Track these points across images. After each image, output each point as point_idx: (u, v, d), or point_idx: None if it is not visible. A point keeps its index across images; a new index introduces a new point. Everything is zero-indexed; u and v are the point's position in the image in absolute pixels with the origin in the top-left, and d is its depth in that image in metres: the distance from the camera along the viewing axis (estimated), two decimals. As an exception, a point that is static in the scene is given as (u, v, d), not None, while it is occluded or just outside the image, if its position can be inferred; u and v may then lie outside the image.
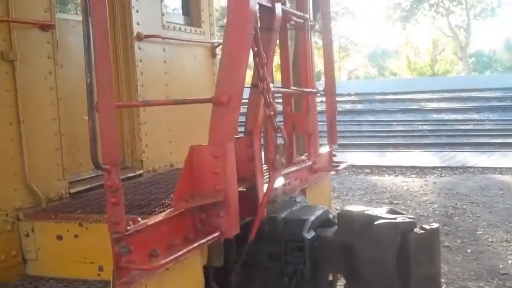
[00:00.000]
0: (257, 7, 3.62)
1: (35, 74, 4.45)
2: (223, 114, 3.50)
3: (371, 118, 33.72)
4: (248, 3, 3.43)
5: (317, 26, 6.37)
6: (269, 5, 3.89)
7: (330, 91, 5.69)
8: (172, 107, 5.81)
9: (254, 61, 3.90)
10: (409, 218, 4.18)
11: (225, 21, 3.60)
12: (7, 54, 4.17)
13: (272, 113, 3.87)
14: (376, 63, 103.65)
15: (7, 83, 4.20)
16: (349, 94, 42.94)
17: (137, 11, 5.63)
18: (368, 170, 16.66)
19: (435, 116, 32.92)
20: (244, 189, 3.97)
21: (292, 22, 4.99)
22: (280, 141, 3.92)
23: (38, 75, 4.49)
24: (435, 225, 4.20)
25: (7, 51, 4.18)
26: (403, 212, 4.43)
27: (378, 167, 17.08)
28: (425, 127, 28.67)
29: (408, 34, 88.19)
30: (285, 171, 4.34)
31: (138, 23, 5.63)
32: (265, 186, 4.08)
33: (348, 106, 38.33)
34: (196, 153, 3.48)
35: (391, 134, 26.53)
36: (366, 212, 4.29)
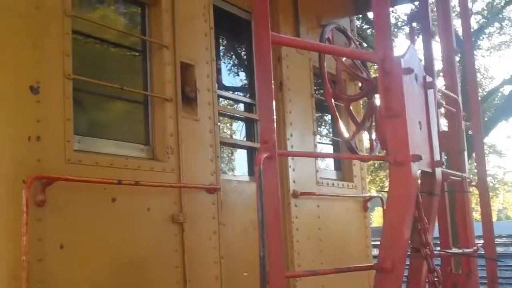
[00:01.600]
0: (418, 174, 3.66)
1: (201, 234, 4.71)
2: (387, 281, 3.47)
3: (526, 263, 31.45)
4: (410, 172, 3.48)
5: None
6: (430, 170, 3.92)
7: (489, 252, 5.45)
8: (325, 262, 5.87)
9: (415, 226, 3.88)
10: None
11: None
12: (177, 216, 4.48)
13: (436, 279, 3.78)
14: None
15: (175, 244, 4.47)
16: (500, 236, 40.64)
17: (293, 170, 5.87)
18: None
19: None
20: None
21: (449, 180, 4.95)
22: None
23: (203, 235, 4.74)
24: None
25: (177, 214, 4.49)
26: None
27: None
28: None
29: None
30: None
31: (294, 181, 5.85)
32: None
33: (500, 249, 36.12)
34: (359, 320, 3.45)
35: (553, 283, 24.46)
36: None
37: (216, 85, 5.27)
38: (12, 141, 3.57)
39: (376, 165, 25.69)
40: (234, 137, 6.02)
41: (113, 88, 4.28)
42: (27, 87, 3.58)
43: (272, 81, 3.03)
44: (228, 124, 6.09)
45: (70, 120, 3.79)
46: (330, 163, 7.13)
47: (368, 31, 18.46)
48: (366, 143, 7.13)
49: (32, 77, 3.61)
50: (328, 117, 7.73)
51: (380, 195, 7.55)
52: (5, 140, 3.58)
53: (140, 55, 4.72)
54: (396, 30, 19.04)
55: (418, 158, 3.51)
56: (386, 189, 3.67)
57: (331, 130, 7.58)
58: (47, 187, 3.56)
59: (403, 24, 19.70)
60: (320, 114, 7.30)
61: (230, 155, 5.92)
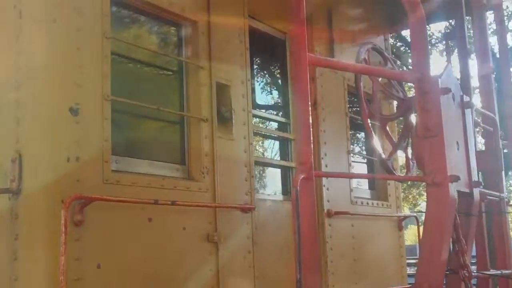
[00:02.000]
0: (456, 195, 3.61)
1: (235, 254, 4.71)
2: (424, 303, 3.43)
3: None
4: (448, 193, 3.44)
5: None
6: (468, 190, 3.87)
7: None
8: (360, 282, 5.84)
9: (453, 248, 3.83)
10: None
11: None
12: (212, 236, 4.48)
13: (474, 302, 3.72)
14: None
15: (210, 263, 4.48)
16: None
17: (328, 189, 5.85)
18: None
19: None
20: None
21: (486, 200, 4.88)
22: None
23: (238, 254, 4.74)
24: None
25: (212, 233, 4.50)
26: None
27: None
28: None
29: None
30: None
31: (328, 201, 5.83)
32: None
33: (537, 269, 35.27)
34: None
35: None
36: None
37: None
38: (51, 161, 3.62)
39: (409, 182, 25.37)
40: (268, 156, 6.03)
41: (150, 108, 4.34)
42: (67, 109, 3.64)
43: (309, 103, 3.04)
44: (262, 143, 6.11)
45: (108, 141, 3.83)
46: (363, 181, 7.08)
47: (402, 48, 18.33)
48: (401, 161, 7.09)
49: (72, 99, 3.67)
50: (361, 135, 7.70)
51: (415, 214, 7.48)
52: (44, 161, 3.63)
53: (176, 75, 4.77)
54: (430, 47, 18.86)
55: (456, 178, 3.47)
56: (419, 207, 3.62)
57: (364, 148, 7.54)
58: (85, 207, 3.60)
59: (437, 41, 19.54)
60: (353, 132, 7.27)
61: (264, 174, 5.92)
